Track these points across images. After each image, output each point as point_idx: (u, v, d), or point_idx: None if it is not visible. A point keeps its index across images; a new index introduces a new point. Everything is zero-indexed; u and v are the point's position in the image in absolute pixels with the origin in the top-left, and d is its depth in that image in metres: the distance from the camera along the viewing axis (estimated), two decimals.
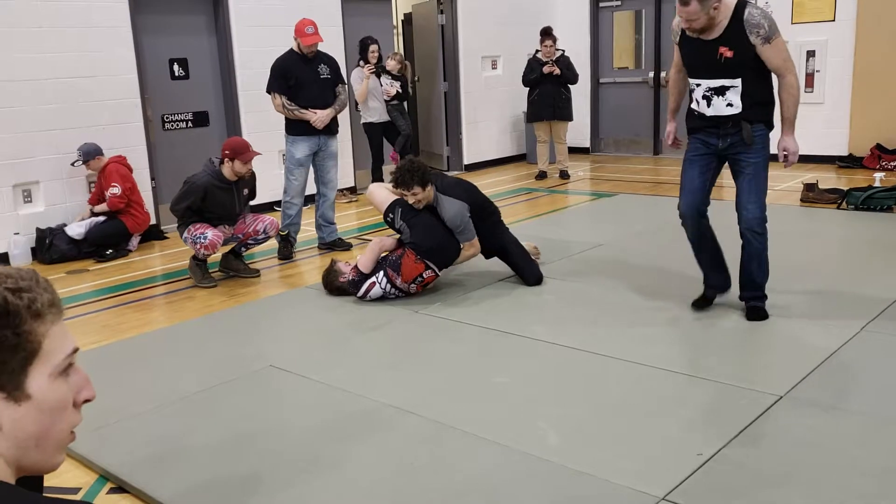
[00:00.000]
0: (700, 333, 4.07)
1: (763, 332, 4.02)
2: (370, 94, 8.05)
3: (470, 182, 5.28)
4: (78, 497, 2.85)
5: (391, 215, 4.81)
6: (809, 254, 5.50)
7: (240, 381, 3.73)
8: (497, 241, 5.03)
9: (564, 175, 9.30)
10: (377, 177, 8.13)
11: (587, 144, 11.31)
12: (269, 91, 5.93)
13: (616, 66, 11.05)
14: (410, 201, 4.71)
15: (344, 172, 8.57)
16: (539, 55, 9.03)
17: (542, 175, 9.34)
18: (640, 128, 10.89)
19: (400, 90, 8.36)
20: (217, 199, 5.23)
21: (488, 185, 9.17)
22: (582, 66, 10.88)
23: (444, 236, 4.77)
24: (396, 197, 4.82)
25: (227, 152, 5.20)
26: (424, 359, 3.94)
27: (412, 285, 4.69)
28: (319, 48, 5.99)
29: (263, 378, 3.76)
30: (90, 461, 3.06)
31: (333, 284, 4.82)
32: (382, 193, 4.97)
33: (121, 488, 2.90)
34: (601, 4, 10.93)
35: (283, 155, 6.29)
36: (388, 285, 4.63)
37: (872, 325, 4.02)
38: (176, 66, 7.36)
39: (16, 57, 6.08)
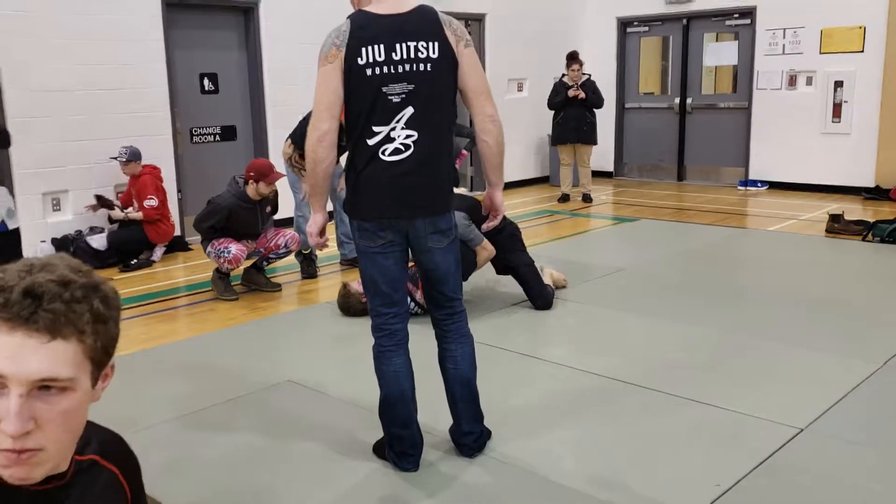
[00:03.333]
0: (719, 362, 4.03)
1: (784, 365, 3.98)
2: None
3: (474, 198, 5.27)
4: None
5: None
6: (832, 286, 5.45)
7: (257, 394, 3.75)
8: (509, 256, 4.99)
9: (587, 199, 9.30)
10: None
11: (611, 169, 11.31)
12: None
13: (642, 91, 11.07)
14: None
15: None
16: (565, 79, 9.07)
17: (564, 198, 9.35)
18: (665, 154, 10.87)
19: None
20: (241, 218, 5.31)
21: (511, 206, 9.18)
22: (608, 90, 10.90)
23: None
24: None
25: (251, 174, 5.27)
26: (431, 380, 3.92)
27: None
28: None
29: (281, 392, 3.78)
30: None
31: (353, 308, 4.79)
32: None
33: None
34: (629, 30, 10.96)
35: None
36: (409, 300, 4.63)
37: (895, 360, 3.97)
38: (206, 81, 7.46)
39: (49, 67, 6.19)
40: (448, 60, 2.73)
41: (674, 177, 10.83)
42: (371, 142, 2.73)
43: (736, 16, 10.02)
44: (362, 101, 2.71)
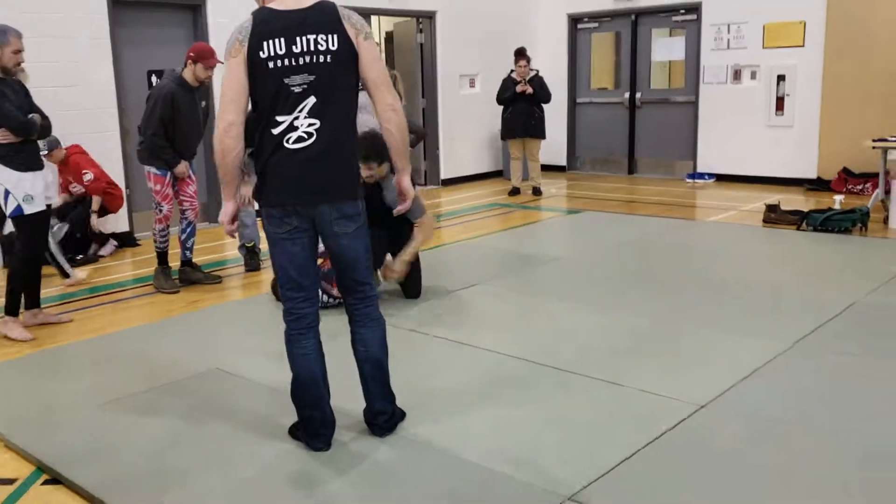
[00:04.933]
0: (637, 346, 4.18)
1: (698, 347, 4.15)
2: (361, 109, 7.87)
3: None
4: (13, 488, 2.95)
5: None
6: (759, 272, 5.64)
7: (184, 382, 3.84)
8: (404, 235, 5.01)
9: (537, 192, 9.45)
10: None
11: (564, 163, 11.48)
12: None
13: (595, 86, 11.24)
14: (364, 174, 4.57)
15: None
16: (513, 74, 9.21)
17: (515, 191, 9.49)
18: (615, 147, 11.06)
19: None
20: (183, 108, 5.30)
21: (464, 199, 9.33)
22: (559, 85, 11.11)
23: (381, 249, 4.87)
24: None
25: (191, 55, 5.28)
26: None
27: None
28: None
29: (207, 380, 3.86)
30: (28, 453, 3.16)
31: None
32: None
33: (56, 480, 3.00)
34: (579, 26, 11.13)
35: None
36: (325, 296, 4.72)
37: (805, 340, 4.15)
38: (154, 78, 7.49)
39: None
40: (347, 52, 2.85)
41: (625, 170, 11.02)
42: (275, 131, 2.84)
43: (682, 11, 10.23)
44: (266, 93, 2.82)
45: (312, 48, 2.81)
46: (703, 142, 10.22)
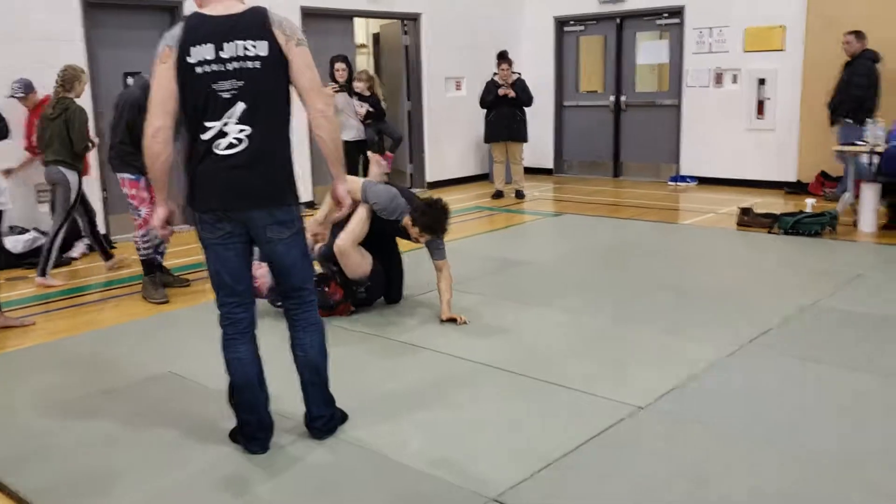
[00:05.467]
0: (590, 349, 4.21)
1: (649, 350, 4.17)
2: (340, 112, 7.74)
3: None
4: None
5: (361, 289, 4.88)
6: (723, 275, 5.67)
7: (135, 385, 3.87)
8: (392, 250, 5.13)
9: (520, 195, 9.48)
10: None
11: (550, 166, 11.50)
12: None
13: (584, 89, 11.26)
14: (418, 239, 4.70)
15: (301, 186, 8.76)
16: (496, 78, 9.24)
17: (498, 194, 9.52)
18: (601, 150, 11.08)
19: (371, 109, 8.02)
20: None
21: (448, 202, 9.33)
22: (546, 88, 11.14)
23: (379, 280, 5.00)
24: (370, 267, 4.79)
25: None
26: None
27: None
28: None
29: (159, 383, 3.89)
30: None
31: None
32: (358, 259, 4.73)
33: None
34: (566, 29, 11.16)
35: None
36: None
37: (753, 343, 4.17)
38: (130, 80, 7.53)
39: None
40: (277, 59, 2.87)
41: (610, 173, 11.04)
42: (205, 137, 2.87)
43: (665, 15, 10.25)
44: (195, 98, 2.85)
45: (241, 54, 2.84)
46: (685, 145, 10.23)
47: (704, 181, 10.05)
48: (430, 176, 10.37)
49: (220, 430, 3.30)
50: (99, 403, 3.67)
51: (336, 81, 7.68)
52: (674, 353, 4.09)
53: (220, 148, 2.86)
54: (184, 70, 2.83)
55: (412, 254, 6.50)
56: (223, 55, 2.82)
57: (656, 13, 10.32)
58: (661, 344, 4.24)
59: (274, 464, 3.05)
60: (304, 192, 8.81)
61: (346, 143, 7.65)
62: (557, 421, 3.34)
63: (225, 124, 2.85)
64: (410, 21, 9.96)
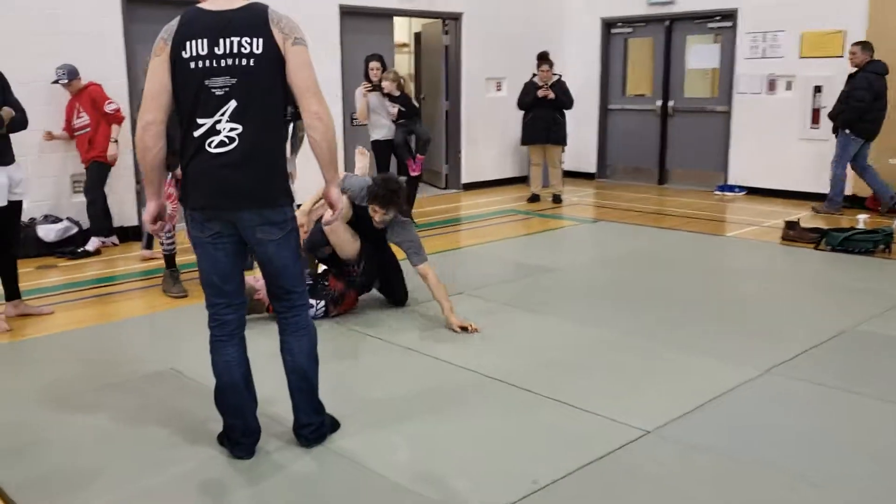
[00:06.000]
0: (599, 364, 4.03)
1: (663, 368, 3.97)
2: (374, 111, 7.60)
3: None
4: None
5: (357, 268, 4.80)
6: (760, 291, 5.41)
7: (135, 381, 3.84)
8: (386, 257, 5.04)
9: (557, 199, 9.27)
10: None
11: (593, 170, 11.26)
12: None
13: (631, 93, 10.99)
14: (376, 219, 4.58)
15: None
16: (535, 79, 9.06)
17: (534, 198, 9.33)
18: (646, 156, 10.80)
19: (403, 109, 7.66)
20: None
21: (481, 204, 9.22)
22: (591, 91, 10.91)
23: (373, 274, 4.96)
24: (359, 245, 4.76)
25: None
26: None
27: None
28: None
29: (160, 380, 3.85)
30: None
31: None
32: (348, 236, 4.73)
33: None
34: (613, 31, 10.90)
35: None
36: (322, 313, 4.68)
37: (780, 367, 3.94)
38: None
39: (17, 58, 6.29)
40: (272, 57, 2.78)
41: (655, 180, 10.75)
42: (196, 134, 2.79)
43: (718, 18, 9.92)
44: (188, 94, 2.78)
45: (235, 51, 2.75)
46: (734, 153, 9.89)
47: (753, 191, 9.69)
48: (465, 177, 10.23)
49: (211, 431, 3.23)
50: (98, 398, 3.64)
51: (370, 81, 7.52)
52: (693, 373, 3.89)
53: (212, 146, 2.79)
54: (178, 64, 2.76)
55: (405, 262, 6.38)
56: (217, 51, 2.74)
57: (708, 16, 9.99)
58: (681, 363, 4.03)
59: (256, 470, 2.97)
60: None
61: (379, 142, 7.61)
62: (555, 441, 3.18)
63: (217, 122, 2.77)
64: (452, 20, 9.83)
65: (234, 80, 2.76)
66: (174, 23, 2.81)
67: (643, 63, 10.81)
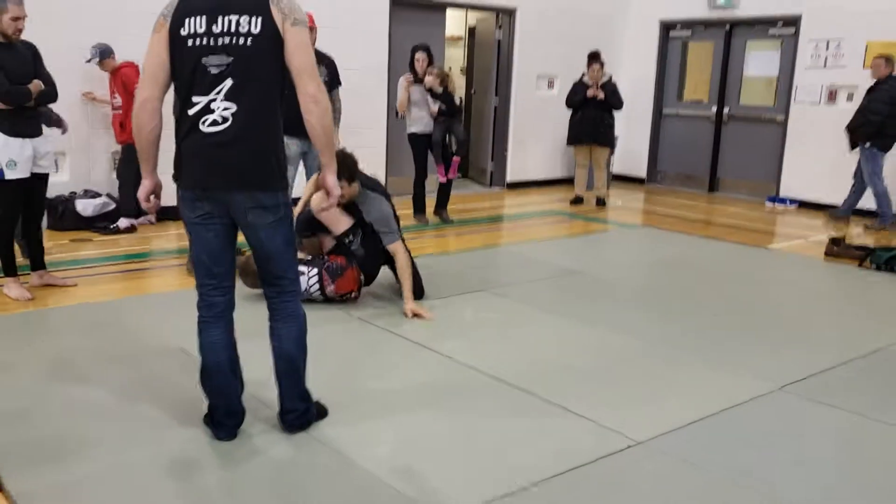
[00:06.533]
0: (608, 370, 3.92)
1: (673, 379, 3.84)
2: (414, 104, 7.50)
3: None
4: None
5: (350, 237, 4.76)
6: (793, 307, 5.21)
7: (141, 357, 3.87)
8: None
9: (601, 202, 9.10)
10: (419, 192, 7.66)
11: (643, 175, 11.03)
12: None
13: (688, 98, 10.72)
14: (345, 195, 4.46)
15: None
16: (585, 78, 8.90)
17: (578, 200, 9.17)
18: (698, 163, 10.52)
19: (444, 107, 7.52)
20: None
21: (523, 204, 9.12)
22: (645, 94, 10.69)
23: (379, 265, 4.91)
24: (352, 220, 4.74)
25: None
26: (315, 359, 3.80)
27: (335, 296, 4.72)
28: (318, 48, 6.10)
29: (164, 358, 3.87)
30: None
31: (252, 274, 4.62)
32: (337, 214, 4.69)
33: None
34: (671, 33, 10.64)
35: None
36: (316, 286, 4.66)
37: (794, 385, 3.76)
38: None
39: (57, 35, 6.45)
40: (271, 37, 2.75)
41: (705, 187, 10.47)
42: (191, 112, 2.78)
43: (780, 24, 9.59)
44: (184, 72, 2.78)
45: (233, 29, 2.74)
46: (788, 164, 9.56)
47: (805, 205, 9.35)
48: (511, 176, 10.12)
49: (201, 412, 3.22)
50: (100, 370, 3.69)
51: (415, 71, 7.45)
52: (704, 386, 3.75)
53: (205, 125, 2.77)
54: (175, 42, 2.76)
55: (437, 258, 6.39)
56: (215, 29, 2.73)
57: (770, 21, 9.68)
58: (695, 375, 3.89)
59: (233, 453, 2.96)
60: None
61: (415, 135, 7.53)
62: (543, 445, 3.10)
63: (212, 100, 2.76)
64: (505, 15, 9.73)
65: (230, 59, 2.74)
66: (174, 0, 2.81)
67: (701, 68, 10.53)
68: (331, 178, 2.95)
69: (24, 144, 4.56)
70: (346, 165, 4.38)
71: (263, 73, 2.79)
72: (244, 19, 2.73)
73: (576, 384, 3.71)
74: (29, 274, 4.96)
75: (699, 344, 4.33)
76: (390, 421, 3.27)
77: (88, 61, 6.54)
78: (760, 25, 9.80)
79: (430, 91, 7.35)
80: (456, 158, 7.65)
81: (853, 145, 8.15)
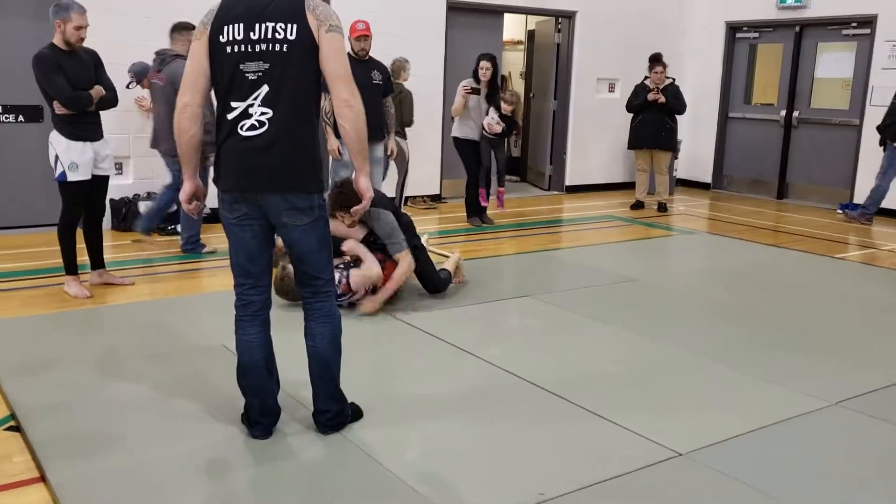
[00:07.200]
0: (651, 380, 3.80)
1: (720, 390, 3.70)
2: (469, 111, 7.45)
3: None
4: None
5: (373, 238, 4.78)
6: (853, 320, 4.96)
7: (184, 353, 3.94)
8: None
9: (662, 208, 8.90)
10: (472, 193, 7.61)
11: (709, 180, 10.74)
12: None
13: (756, 101, 10.41)
14: (346, 222, 4.55)
15: (429, 180, 8.74)
16: (647, 81, 8.73)
17: (638, 205, 8.99)
18: (766, 168, 10.20)
19: (505, 130, 7.54)
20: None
21: (581, 208, 9.00)
22: (710, 98, 10.42)
23: None
24: (366, 229, 4.75)
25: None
26: (356, 360, 3.67)
27: (347, 297, 4.66)
28: (372, 54, 6.13)
29: (206, 355, 3.93)
30: (8, 399, 3.37)
31: (291, 291, 4.51)
32: (343, 229, 4.64)
33: (18, 427, 3.17)
34: (738, 35, 10.35)
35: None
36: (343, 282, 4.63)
37: (851, 401, 3.58)
38: None
39: (125, 43, 6.65)
40: (306, 43, 2.77)
41: (774, 193, 10.13)
42: (230, 116, 2.82)
43: (854, 24, 9.22)
44: (223, 77, 2.82)
45: (269, 36, 2.76)
46: (863, 170, 9.16)
47: (882, 212, 8.94)
48: (570, 180, 9.99)
49: (239, 409, 3.25)
50: (144, 366, 3.77)
51: (477, 80, 7.39)
52: (754, 399, 3.60)
53: (243, 129, 2.81)
54: (215, 48, 2.81)
55: (490, 261, 6.36)
56: (252, 36, 2.77)
57: (843, 22, 9.31)
58: (744, 387, 3.74)
59: (266, 452, 2.97)
60: (432, 185, 8.80)
61: (460, 140, 7.54)
62: (578, 454, 3.02)
63: (249, 105, 2.80)
64: (565, 18, 9.62)
65: (266, 66, 2.77)
66: (214, 7, 2.86)
67: (769, 70, 10.21)
68: (364, 181, 2.95)
69: (86, 148, 4.71)
70: (349, 197, 4.26)
71: (299, 79, 2.81)
72: (280, 26, 2.76)
73: (617, 393, 3.61)
74: (89, 272, 5.11)
75: (753, 356, 4.16)
76: (424, 425, 3.23)
77: (129, 86, 6.49)
78: (833, 26, 9.44)
79: (501, 114, 7.37)
80: (501, 189, 7.66)
81: (882, 143, 8.30)
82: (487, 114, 7.41)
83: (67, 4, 4.48)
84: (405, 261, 4.67)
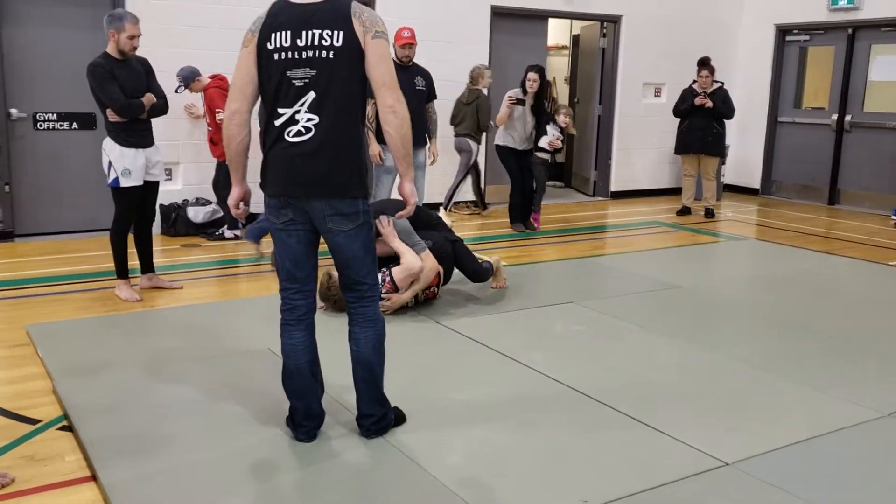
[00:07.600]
0: (697, 388, 3.74)
1: (767, 400, 3.63)
2: (514, 121, 7.41)
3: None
4: (32, 428, 3.24)
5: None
6: None
7: (231, 357, 4.01)
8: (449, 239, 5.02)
9: (709, 214, 8.77)
10: (515, 201, 7.61)
11: (757, 186, 10.56)
12: None
13: (807, 105, 10.21)
14: (383, 230, 4.57)
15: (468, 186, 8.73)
16: (694, 86, 8.62)
17: (684, 211, 8.87)
18: (817, 174, 9.99)
19: (561, 142, 7.64)
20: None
21: (627, 214, 8.92)
22: (759, 102, 10.26)
23: (451, 265, 5.03)
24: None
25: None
26: (400, 365, 3.71)
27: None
28: (418, 60, 6.16)
29: (253, 358, 3.98)
30: (61, 399, 3.46)
31: (336, 299, 4.58)
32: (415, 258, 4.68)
33: (70, 427, 3.26)
34: (787, 38, 10.17)
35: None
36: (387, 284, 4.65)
37: None
38: None
39: (169, 52, 6.80)
40: (352, 49, 2.80)
41: (825, 199, 9.92)
42: (277, 123, 2.87)
43: None
44: (270, 84, 2.86)
45: (316, 43, 2.80)
46: None
47: None
48: (615, 185, 9.91)
49: (284, 412, 3.29)
50: (192, 369, 3.83)
51: (524, 91, 7.37)
52: (799, 408, 3.53)
53: (290, 135, 2.85)
54: (263, 55, 2.85)
55: (534, 266, 6.33)
56: (299, 43, 2.80)
57: None
58: (793, 398, 3.66)
59: (310, 455, 3.00)
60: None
61: (502, 148, 7.52)
62: (621, 462, 2.99)
63: (296, 112, 2.84)
64: (610, 23, 9.56)
65: (313, 72, 2.80)
66: (262, 14, 2.90)
67: (820, 73, 10.01)
68: (408, 187, 2.97)
69: (138, 154, 4.82)
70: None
71: (345, 85, 2.83)
72: (327, 33, 2.79)
73: (663, 401, 3.57)
74: (139, 276, 5.23)
75: (802, 366, 4.07)
76: (467, 430, 3.23)
77: (177, 90, 6.56)
78: (887, 28, 9.22)
79: (557, 125, 7.43)
80: (536, 214, 7.67)
81: None
82: (544, 131, 7.45)
83: (121, 14, 4.60)
84: (428, 260, 4.67)
